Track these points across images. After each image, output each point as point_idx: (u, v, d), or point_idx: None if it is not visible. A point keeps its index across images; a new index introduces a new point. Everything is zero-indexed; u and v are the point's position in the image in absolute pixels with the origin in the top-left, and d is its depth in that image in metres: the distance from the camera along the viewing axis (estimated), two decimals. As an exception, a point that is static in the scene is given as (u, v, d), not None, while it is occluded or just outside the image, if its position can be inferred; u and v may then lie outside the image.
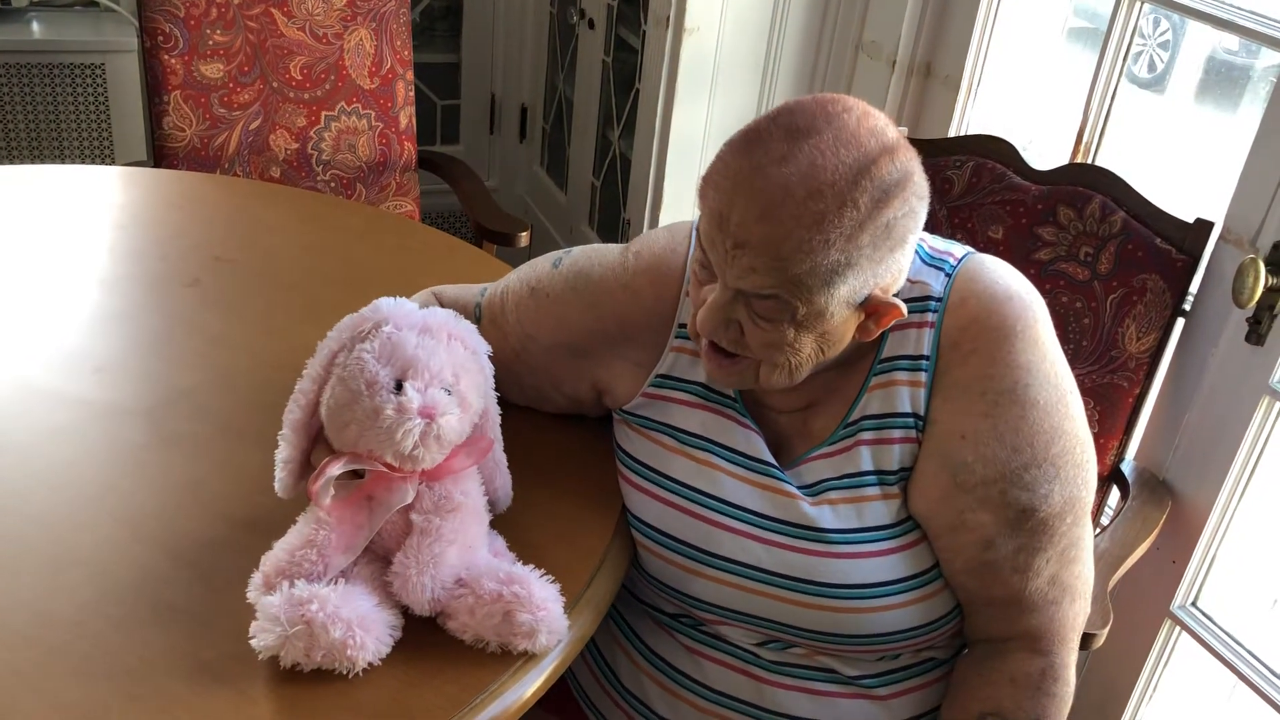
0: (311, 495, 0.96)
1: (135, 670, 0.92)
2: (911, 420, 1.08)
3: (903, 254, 1.00)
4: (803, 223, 0.93)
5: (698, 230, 1.02)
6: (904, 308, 1.01)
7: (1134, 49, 1.76)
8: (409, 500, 0.99)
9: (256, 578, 0.96)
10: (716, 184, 0.98)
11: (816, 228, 0.93)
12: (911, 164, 0.98)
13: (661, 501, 1.14)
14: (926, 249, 1.09)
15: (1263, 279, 1.44)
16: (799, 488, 1.11)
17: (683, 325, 1.13)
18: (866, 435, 1.09)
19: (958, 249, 1.11)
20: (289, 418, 1.01)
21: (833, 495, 1.10)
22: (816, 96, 0.99)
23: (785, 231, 0.94)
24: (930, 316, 1.07)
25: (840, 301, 0.98)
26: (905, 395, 1.08)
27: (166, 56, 2.17)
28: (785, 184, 0.93)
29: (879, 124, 0.98)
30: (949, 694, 1.16)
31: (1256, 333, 1.50)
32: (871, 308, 1.01)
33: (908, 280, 1.06)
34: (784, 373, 1.03)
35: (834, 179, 0.93)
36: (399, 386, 0.97)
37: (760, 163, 0.95)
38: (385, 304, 1.03)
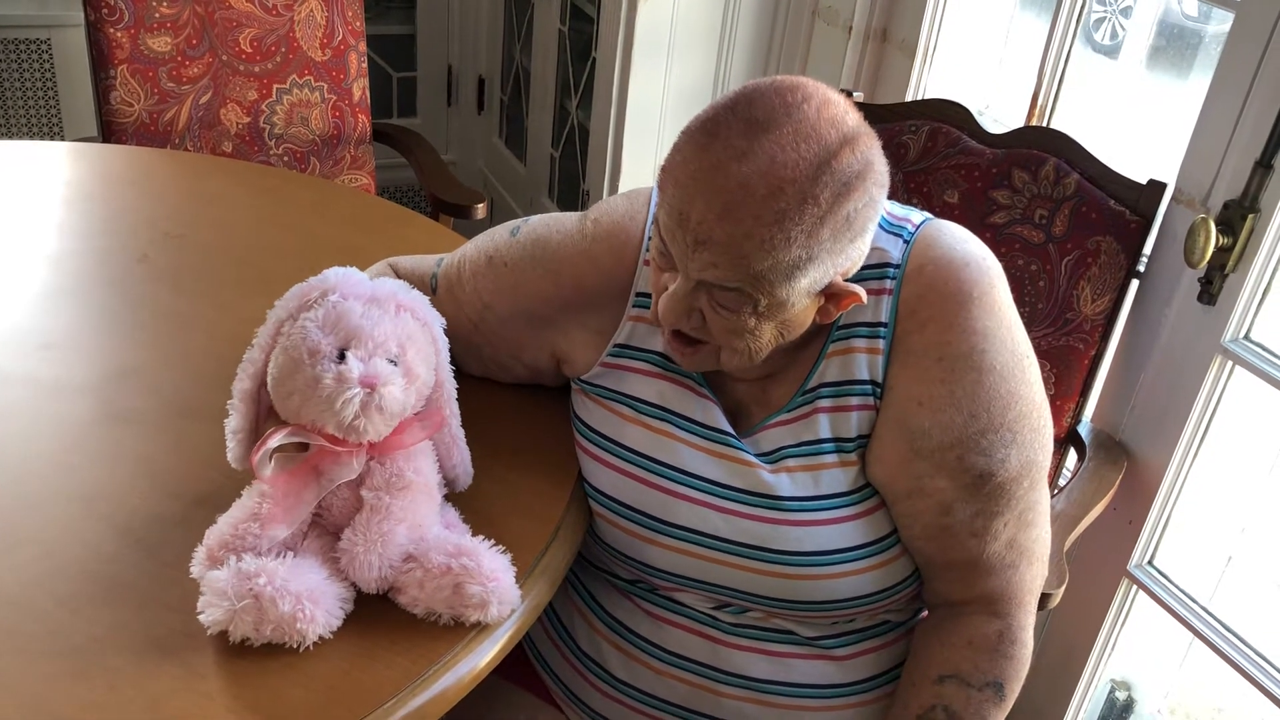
0: (252, 466, 0.95)
1: (83, 648, 0.91)
2: (869, 387, 1.08)
3: (863, 241, 1.00)
4: (763, 221, 0.92)
5: (656, 220, 1.00)
6: (864, 294, 1.01)
7: (1095, 16, 1.76)
8: (354, 475, 0.98)
9: (200, 552, 0.95)
10: (676, 179, 0.96)
11: (778, 225, 0.93)
12: (872, 152, 0.97)
13: (618, 471, 1.13)
14: (885, 216, 1.09)
15: (1213, 238, 1.45)
16: (757, 455, 1.11)
17: (640, 294, 1.13)
18: (824, 402, 1.09)
19: (916, 215, 1.10)
20: (238, 387, 1.00)
21: (790, 463, 1.10)
22: (775, 83, 0.97)
23: (746, 230, 0.93)
24: (888, 284, 1.07)
25: (801, 292, 0.98)
26: (863, 362, 1.08)
27: (112, 30, 2.13)
28: (745, 182, 0.92)
29: (838, 112, 0.96)
30: (909, 658, 1.17)
31: (1208, 292, 1.51)
32: (831, 293, 1.01)
33: None
34: (744, 357, 1.03)
35: (794, 175, 0.92)
36: (342, 356, 0.95)
37: (720, 159, 0.93)
38: (334, 273, 1.01)
